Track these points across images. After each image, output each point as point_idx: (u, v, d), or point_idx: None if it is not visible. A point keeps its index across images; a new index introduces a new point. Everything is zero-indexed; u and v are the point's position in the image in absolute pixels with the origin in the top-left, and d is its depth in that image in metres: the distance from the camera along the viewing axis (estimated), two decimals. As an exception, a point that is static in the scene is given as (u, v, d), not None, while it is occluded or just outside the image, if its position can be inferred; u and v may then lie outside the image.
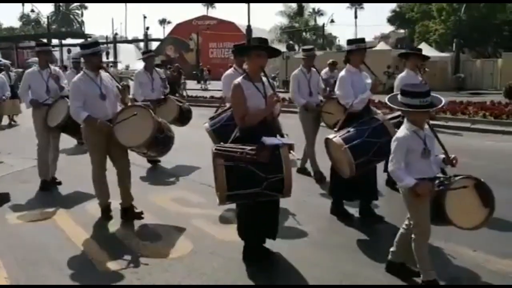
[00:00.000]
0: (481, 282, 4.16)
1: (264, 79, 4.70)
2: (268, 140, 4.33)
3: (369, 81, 5.86)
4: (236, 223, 4.83)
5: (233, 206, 4.87)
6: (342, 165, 5.37)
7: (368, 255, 4.89)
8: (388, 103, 4.16)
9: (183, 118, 9.17)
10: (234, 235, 4.84)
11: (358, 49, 5.83)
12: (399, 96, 3.97)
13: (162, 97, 9.05)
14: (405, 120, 4.04)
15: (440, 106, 3.96)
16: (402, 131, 3.95)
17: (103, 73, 5.87)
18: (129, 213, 5.89)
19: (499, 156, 8.49)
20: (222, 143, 4.55)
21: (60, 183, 7.53)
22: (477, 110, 14.33)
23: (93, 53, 5.71)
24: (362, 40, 6.04)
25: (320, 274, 4.45)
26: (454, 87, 28.90)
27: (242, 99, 4.52)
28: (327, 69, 11.53)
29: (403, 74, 7.12)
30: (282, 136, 4.61)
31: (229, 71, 7.08)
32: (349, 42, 6.02)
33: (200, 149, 8.13)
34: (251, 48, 4.63)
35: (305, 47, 8.40)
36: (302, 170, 8.14)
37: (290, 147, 4.47)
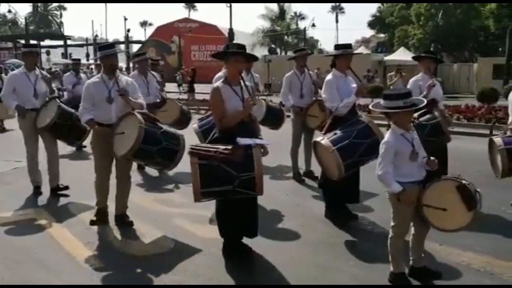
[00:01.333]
0: (445, 274, 4.40)
1: (241, 82, 4.94)
2: (242, 141, 4.56)
3: (354, 85, 6.01)
4: (216, 221, 5.03)
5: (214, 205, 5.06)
6: (331, 167, 5.50)
7: (342, 249, 5.17)
8: (372, 109, 4.30)
9: (184, 119, 8.95)
10: (215, 232, 5.05)
11: (344, 54, 5.99)
12: (382, 101, 4.10)
13: (158, 100, 8.74)
14: (391, 124, 4.14)
15: (422, 105, 4.08)
16: (390, 135, 4.06)
17: (123, 77, 5.85)
18: (120, 220, 5.90)
19: (467, 157, 8.80)
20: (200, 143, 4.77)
21: (67, 187, 7.22)
22: (452, 113, 14.71)
23: (106, 56, 5.67)
24: (349, 46, 6.17)
25: (295, 266, 4.73)
26: (432, 91, 29.37)
27: (220, 101, 4.76)
28: None
29: (417, 76, 6.98)
30: (257, 137, 4.80)
31: (220, 73, 7.13)
32: (336, 47, 6.20)
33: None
34: (230, 54, 4.82)
35: (297, 48, 8.44)
36: (308, 174, 8.19)
37: (263, 147, 4.71)
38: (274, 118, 8.57)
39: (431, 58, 6.91)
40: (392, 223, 4.21)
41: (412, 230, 4.30)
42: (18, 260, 4.93)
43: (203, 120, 6.95)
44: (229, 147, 4.45)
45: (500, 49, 39.07)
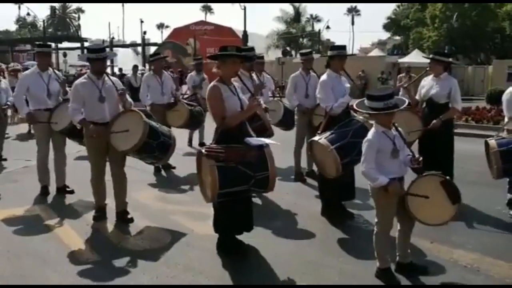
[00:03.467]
0: (432, 270, 4.51)
1: (236, 84, 5.05)
2: (253, 141, 4.66)
3: (348, 85, 6.13)
4: (213, 218, 5.12)
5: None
6: (327, 165, 5.60)
7: (334, 246, 5.28)
8: (355, 108, 4.43)
9: (194, 122, 9.08)
10: (211, 229, 5.15)
11: (339, 55, 6.11)
12: (365, 101, 4.22)
13: (172, 101, 8.83)
14: (374, 122, 4.29)
15: (403, 106, 4.18)
16: (372, 133, 4.20)
17: (108, 76, 5.95)
18: (120, 217, 6.05)
19: (473, 158, 8.82)
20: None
21: (72, 191, 7.29)
22: (461, 115, 14.67)
23: (96, 59, 5.79)
24: (343, 47, 6.31)
25: (285, 262, 4.83)
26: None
27: (221, 100, 4.77)
28: None
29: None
30: (251, 135, 4.88)
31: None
32: (331, 48, 6.34)
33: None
34: (227, 56, 4.87)
35: (303, 51, 8.64)
36: (310, 174, 8.20)
37: None
38: (289, 120, 8.65)
39: (434, 60, 6.62)
40: (375, 220, 4.31)
41: (398, 226, 4.39)
42: (18, 254, 5.11)
43: None
44: (241, 147, 4.57)
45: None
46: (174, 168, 8.93)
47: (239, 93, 4.97)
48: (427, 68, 6.76)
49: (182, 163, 9.08)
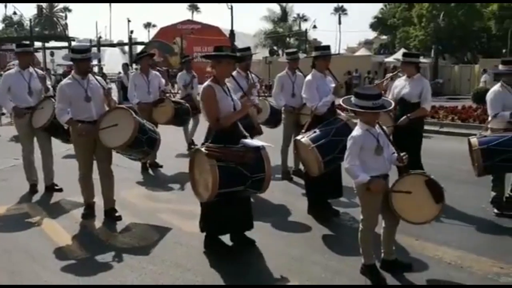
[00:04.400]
0: (416, 267, 4.59)
1: (229, 84, 5.09)
2: (250, 143, 4.72)
3: (333, 85, 6.20)
4: (200, 217, 5.14)
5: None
6: (310, 164, 5.70)
7: (320, 243, 5.35)
8: (342, 104, 4.49)
9: (179, 120, 9.10)
10: (198, 227, 5.18)
11: (323, 55, 6.22)
12: (352, 99, 4.29)
13: (159, 97, 8.83)
14: (358, 120, 4.37)
15: (389, 108, 4.31)
16: (356, 130, 4.27)
17: (92, 76, 6.01)
18: (108, 214, 6.10)
19: (460, 157, 8.95)
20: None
21: (61, 189, 7.30)
22: (447, 114, 14.84)
23: (82, 59, 5.86)
24: (327, 48, 6.41)
25: (272, 259, 4.88)
26: (432, 92, 29.34)
27: (216, 101, 4.79)
28: None
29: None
30: (245, 137, 4.93)
31: (233, 73, 7.29)
32: (316, 48, 6.46)
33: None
34: (223, 56, 4.90)
35: (289, 50, 8.67)
36: (297, 172, 8.24)
37: None
38: (275, 118, 8.67)
39: (405, 62, 6.81)
40: (361, 217, 4.37)
41: (383, 223, 4.47)
42: (7, 250, 5.14)
43: None
44: (240, 148, 4.63)
45: (504, 50, 38.98)
46: (161, 167, 8.97)
47: (231, 94, 5.01)
48: (399, 69, 6.95)
49: (170, 162, 9.13)
